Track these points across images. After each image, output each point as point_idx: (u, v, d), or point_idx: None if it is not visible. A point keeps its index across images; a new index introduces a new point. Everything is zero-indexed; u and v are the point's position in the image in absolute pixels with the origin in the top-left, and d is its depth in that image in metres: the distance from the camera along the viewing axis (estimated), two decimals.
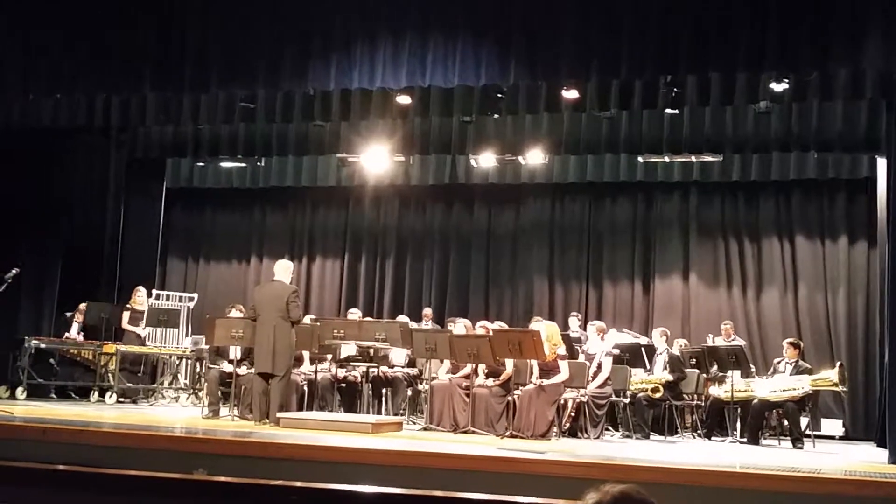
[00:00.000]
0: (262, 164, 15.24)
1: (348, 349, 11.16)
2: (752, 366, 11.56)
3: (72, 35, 10.80)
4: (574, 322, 12.83)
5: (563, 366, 9.78)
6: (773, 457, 9.05)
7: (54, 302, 12.99)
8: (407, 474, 6.82)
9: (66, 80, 10.95)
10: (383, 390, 11.33)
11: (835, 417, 12.76)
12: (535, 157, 13.56)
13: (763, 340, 13.70)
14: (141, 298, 13.01)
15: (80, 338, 12.67)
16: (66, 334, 12.68)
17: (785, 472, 7.15)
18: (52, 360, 12.43)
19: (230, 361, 10.64)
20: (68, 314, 12.86)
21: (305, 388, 10.94)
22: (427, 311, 13.96)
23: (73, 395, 12.44)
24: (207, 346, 11.50)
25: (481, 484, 6.55)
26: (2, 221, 12.29)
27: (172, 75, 10.64)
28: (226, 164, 15.37)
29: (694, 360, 11.50)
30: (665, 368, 11.18)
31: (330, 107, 11.78)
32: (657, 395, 10.86)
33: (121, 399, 12.19)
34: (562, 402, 9.91)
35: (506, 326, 11.20)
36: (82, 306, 12.73)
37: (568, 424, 10.20)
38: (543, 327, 10.08)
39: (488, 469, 7.09)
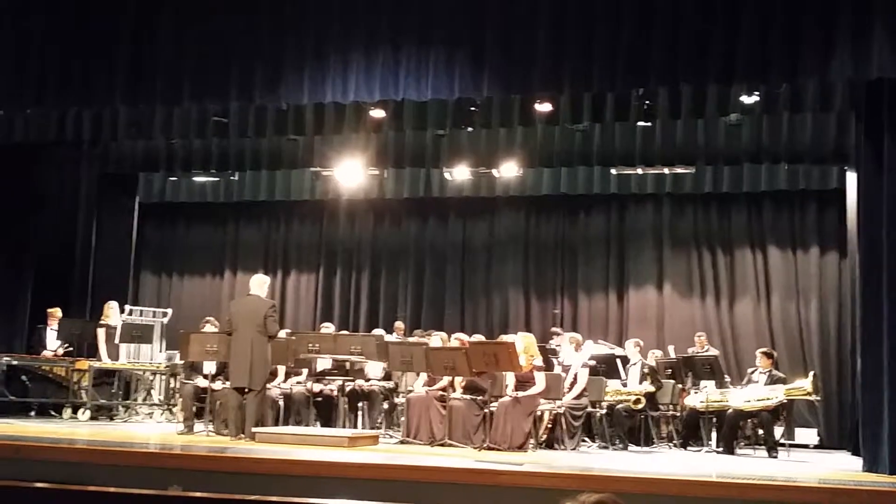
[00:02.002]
0: (236, 178, 15.19)
1: (324, 363, 11.13)
2: (726, 376, 11.62)
3: (42, 49, 10.71)
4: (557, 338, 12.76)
5: (539, 377, 9.79)
6: (749, 466, 9.10)
7: (26, 318, 12.86)
8: (383, 488, 6.80)
9: (36, 94, 10.84)
10: (359, 404, 11.31)
11: (809, 426, 12.85)
12: (508, 170, 13.59)
13: (737, 350, 13.79)
14: (113, 313, 12.90)
15: (60, 350, 12.53)
16: (44, 351, 12.51)
17: (760, 480, 7.20)
18: (24, 378, 12.29)
19: (205, 376, 10.59)
20: (40, 326, 12.68)
21: (281, 402, 10.90)
22: (398, 324, 13.95)
23: (53, 413, 12.26)
24: (182, 362, 11.42)
25: (458, 496, 6.56)
26: None
27: (144, 89, 10.55)
28: (199, 179, 15.31)
29: (669, 370, 11.55)
30: (645, 379, 11.21)
31: (303, 121, 11.78)
32: (638, 407, 10.90)
33: (95, 416, 12.07)
34: (538, 413, 9.92)
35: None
36: (54, 310, 12.58)
37: (545, 436, 10.21)
38: (520, 339, 10.09)
39: (465, 481, 7.08)
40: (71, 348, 12.60)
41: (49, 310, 12.64)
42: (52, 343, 12.64)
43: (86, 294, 13.81)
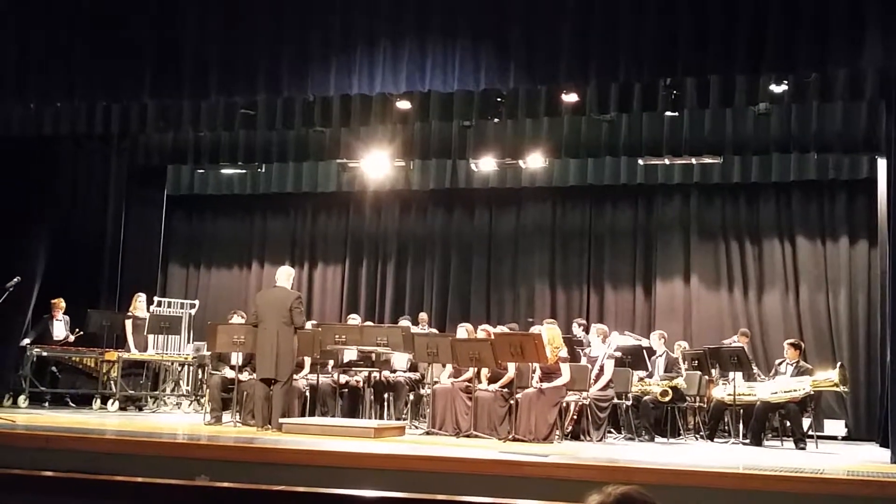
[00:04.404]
0: (263, 170, 15.27)
1: (350, 354, 11.17)
2: (754, 367, 11.54)
3: (71, 43, 10.80)
4: (577, 329, 12.78)
5: (565, 368, 9.77)
6: (776, 458, 9.04)
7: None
8: (409, 479, 6.82)
9: (65, 88, 10.93)
10: (385, 395, 11.34)
11: (837, 418, 12.75)
12: (535, 161, 13.55)
13: (764, 341, 13.69)
14: (141, 305, 13.02)
15: (72, 338, 12.63)
16: (59, 338, 12.60)
17: (788, 472, 7.14)
18: (53, 369, 12.44)
19: (232, 367, 10.66)
20: (45, 316, 12.67)
21: (307, 393, 10.95)
22: (422, 315, 13.96)
23: (71, 403, 12.36)
24: (209, 353, 11.51)
25: (484, 487, 6.56)
26: (2, 230, 12.28)
27: (172, 82, 10.63)
28: (226, 171, 15.39)
29: (696, 361, 11.49)
30: (675, 372, 11.14)
31: (330, 112, 11.81)
32: (666, 399, 10.84)
33: (123, 406, 12.19)
34: (564, 404, 9.90)
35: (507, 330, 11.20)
36: (57, 301, 12.67)
37: (570, 427, 10.20)
38: (545, 330, 10.08)
39: (490, 472, 7.09)
40: (81, 333, 12.69)
41: (53, 300, 12.70)
42: (60, 332, 12.70)
43: (115, 286, 13.93)
